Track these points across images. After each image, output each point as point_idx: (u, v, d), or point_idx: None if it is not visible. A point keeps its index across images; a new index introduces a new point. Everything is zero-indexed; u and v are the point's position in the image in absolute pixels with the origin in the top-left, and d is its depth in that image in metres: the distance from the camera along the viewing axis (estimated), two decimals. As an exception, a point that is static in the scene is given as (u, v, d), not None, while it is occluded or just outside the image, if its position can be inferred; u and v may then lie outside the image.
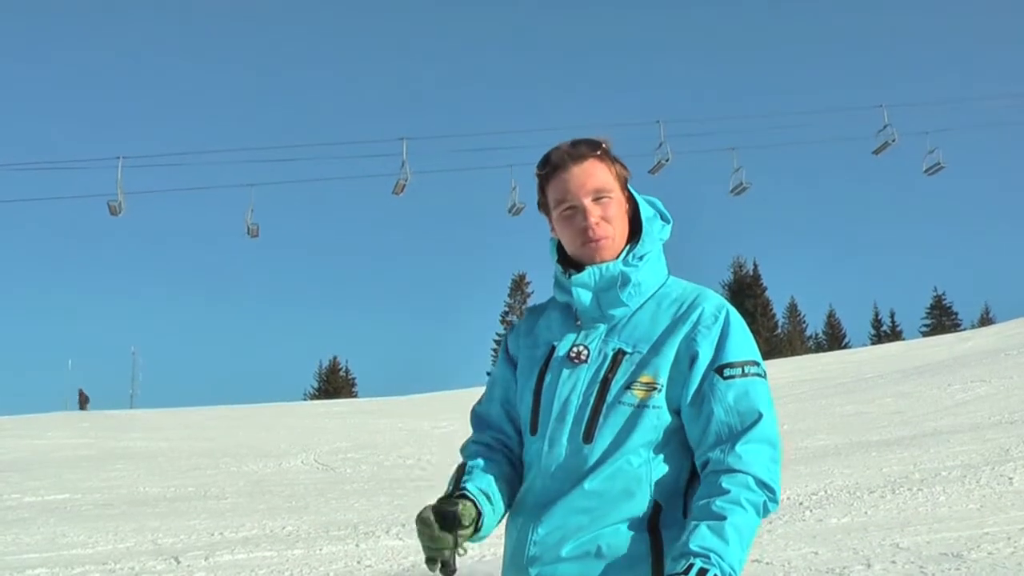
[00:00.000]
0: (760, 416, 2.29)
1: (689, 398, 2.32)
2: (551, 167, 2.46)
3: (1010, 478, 11.13)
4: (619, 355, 2.37)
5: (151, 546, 10.35)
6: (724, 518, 2.16)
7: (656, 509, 2.28)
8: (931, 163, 32.73)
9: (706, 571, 2.10)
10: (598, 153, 2.45)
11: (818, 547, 8.46)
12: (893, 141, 31.90)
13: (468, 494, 2.33)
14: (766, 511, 2.25)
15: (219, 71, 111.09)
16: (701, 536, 2.14)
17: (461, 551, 2.25)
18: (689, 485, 2.35)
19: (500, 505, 2.41)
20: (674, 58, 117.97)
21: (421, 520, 2.25)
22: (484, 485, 2.39)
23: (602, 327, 2.44)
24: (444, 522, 2.21)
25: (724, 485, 2.21)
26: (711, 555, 2.11)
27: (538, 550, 2.32)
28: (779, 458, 2.30)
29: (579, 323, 2.47)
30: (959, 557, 7.68)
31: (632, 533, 2.27)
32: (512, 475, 2.49)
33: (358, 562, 9.08)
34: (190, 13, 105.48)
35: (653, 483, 2.30)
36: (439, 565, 2.24)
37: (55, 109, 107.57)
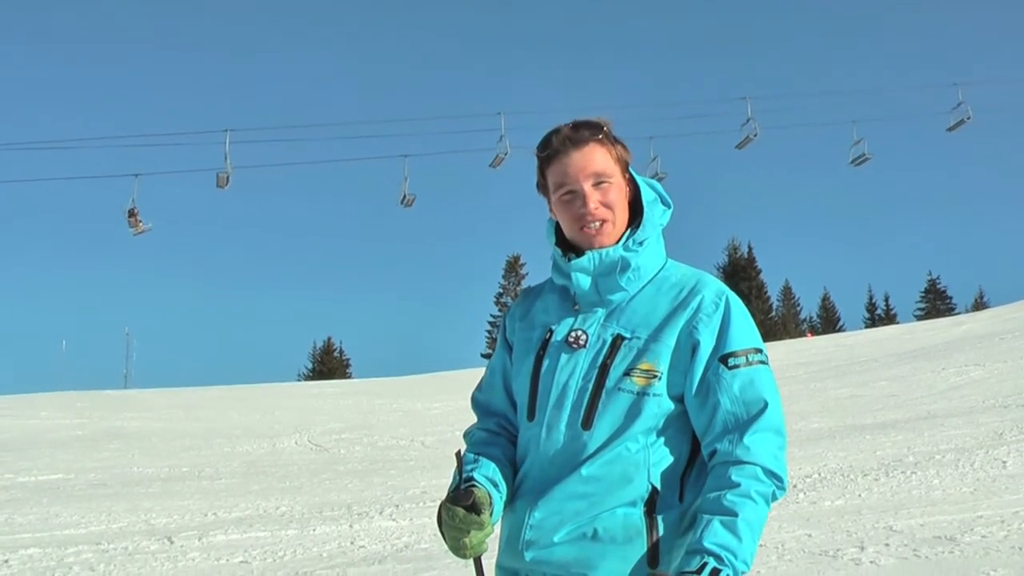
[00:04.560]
0: (766, 405, 2.29)
1: (694, 388, 2.31)
2: (551, 150, 2.42)
3: (1004, 462, 11.14)
4: (618, 340, 2.34)
5: (144, 526, 10.34)
6: (736, 514, 2.15)
7: (653, 494, 2.27)
8: None
9: (719, 571, 2.10)
10: (599, 137, 2.41)
11: (812, 529, 8.46)
12: (755, 136, 32.02)
13: (476, 483, 2.32)
14: (774, 499, 2.26)
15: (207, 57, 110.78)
16: (714, 532, 2.14)
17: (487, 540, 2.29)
18: (687, 469, 2.34)
19: (506, 491, 2.40)
20: (656, 45, 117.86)
21: (445, 510, 2.25)
22: (490, 473, 2.38)
23: (600, 311, 2.41)
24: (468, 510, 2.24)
25: (734, 478, 2.20)
26: (724, 554, 2.11)
27: (534, 534, 2.31)
28: (785, 445, 2.31)
29: (577, 307, 2.45)
30: (952, 540, 7.68)
31: (628, 516, 2.25)
32: (514, 457, 2.49)
33: (351, 542, 9.07)
34: None
35: (651, 468, 2.28)
36: (469, 551, 2.25)
37: (51, 91, 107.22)
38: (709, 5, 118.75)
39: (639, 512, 2.26)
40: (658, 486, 2.28)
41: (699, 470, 2.34)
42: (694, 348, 2.31)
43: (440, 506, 2.29)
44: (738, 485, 2.19)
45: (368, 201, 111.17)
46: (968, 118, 32.81)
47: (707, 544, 2.13)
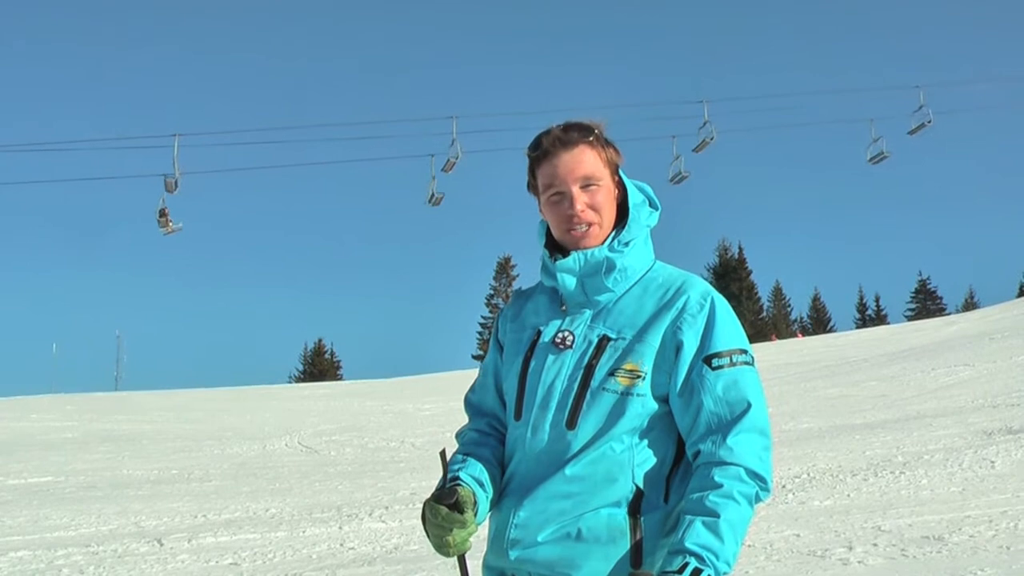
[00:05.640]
0: (749, 406, 2.28)
1: (678, 388, 2.31)
2: (542, 151, 2.43)
3: (992, 462, 11.18)
4: (603, 341, 2.35)
5: (134, 528, 10.32)
6: (718, 515, 2.15)
7: (638, 494, 2.28)
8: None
9: (700, 571, 2.10)
10: (590, 139, 2.42)
11: (800, 529, 8.48)
12: (712, 139, 31.83)
13: (461, 482, 2.33)
14: (758, 500, 2.25)
15: (210, 58, 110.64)
16: (696, 533, 2.14)
17: (472, 537, 2.29)
18: (672, 470, 2.34)
19: (492, 490, 2.41)
20: (636, 38, 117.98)
21: (429, 508, 2.27)
22: (476, 472, 2.39)
23: (587, 312, 2.42)
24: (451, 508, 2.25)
25: (717, 479, 2.20)
26: (705, 554, 2.11)
27: (519, 534, 2.31)
28: (770, 446, 2.30)
29: (565, 308, 2.46)
30: (940, 540, 7.71)
31: (612, 517, 2.26)
32: (503, 458, 2.50)
33: (341, 544, 9.07)
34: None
35: (635, 469, 2.29)
36: (452, 549, 2.25)
37: (53, 93, 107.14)
38: (686, 4, 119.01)
39: (623, 512, 2.26)
40: (642, 487, 2.28)
41: (684, 471, 2.34)
42: (678, 348, 2.32)
43: (424, 504, 2.30)
44: (720, 486, 2.19)
45: (362, 203, 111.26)
46: (929, 121, 32.80)
47: (688, 544, 2.13)
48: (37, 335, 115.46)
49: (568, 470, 2.29)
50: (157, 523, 10.60)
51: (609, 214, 2.44)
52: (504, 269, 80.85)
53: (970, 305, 77.81)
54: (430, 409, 25.98)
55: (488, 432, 2.54)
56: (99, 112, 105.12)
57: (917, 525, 8.34)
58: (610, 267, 2.40)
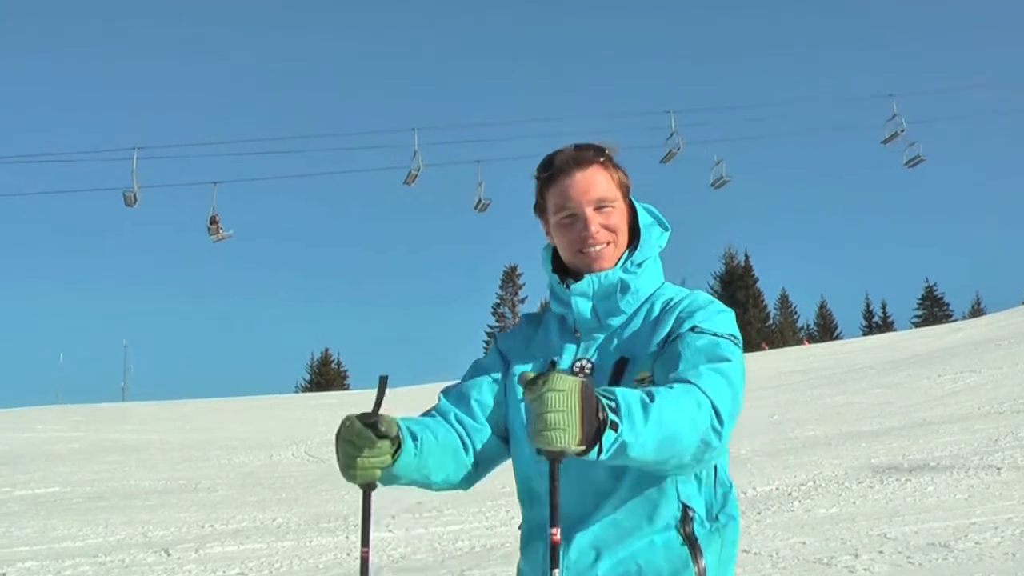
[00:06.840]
0: (728, 360, 2.17)
1: (658, 348, 2.24)
2: (553, 171, 2.39)
3: (998, 468, 11.17)
4: (621, 363, 2.31)
5: (141, 539, 10.35)
6: (653, 400, 1.94)
7: (686, 512, 2.21)
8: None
9: (616, 410, 1.88)
10: (602, 160, 2.38)
11: (806, 537, 8.49)
12: (678, 150, 31.73)
13: (394, 419, 2.16)
14: (706, 446, 2.03)
15: (210, 65, 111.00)
16: (629, 394, 1.94)
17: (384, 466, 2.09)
18: (714, 487, 2.28)
19: (424, 455, 2.22)
20: (645, 47, 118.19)
21: (345, 421, 2.09)
22: (417, 428, 2.24)
23: (600, 337, 2.38)
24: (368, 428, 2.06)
25: (674, 387, 2.04)
26: (623, 408, 1.90)
27: (576, 566, 2.22)
28: (737, 408, 2.14)
29: (578, 334, 2.42)
30: (946, 547, 7.71)
31: (668, 545, 2.19)
32: (455, 447, 2.34)
33: (347, 554, 9.09)
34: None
35: (679, 486, 2.22)
36: (357, 472, 2.06)
37: (50, 101, 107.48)
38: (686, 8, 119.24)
39: (677, 537, 2.19)
40: (690, 504, 2.22)
41: (723, 490, 2.29)
42: (677, 337, 2.24)
43: (343, 419, 2.11)
44: (672, 389, 2.02)
45: (366, 212, 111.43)
46: (902, 130, 32.76)
47: (618, 393, 1.94)
48: (44, 345, 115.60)
49: (613, 498, 2.23)
50: (164, 533, 10.63)
51: (622, 236, 2.41)
52: (510, 278, 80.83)
53: (977, 311, 77.55)
54: (436, 418, 25.95)
55: (449, 418, 2.41)
56: (101, 119, 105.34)
57: (923, 532, 8.35)
58: (624, 288, 2.37)
